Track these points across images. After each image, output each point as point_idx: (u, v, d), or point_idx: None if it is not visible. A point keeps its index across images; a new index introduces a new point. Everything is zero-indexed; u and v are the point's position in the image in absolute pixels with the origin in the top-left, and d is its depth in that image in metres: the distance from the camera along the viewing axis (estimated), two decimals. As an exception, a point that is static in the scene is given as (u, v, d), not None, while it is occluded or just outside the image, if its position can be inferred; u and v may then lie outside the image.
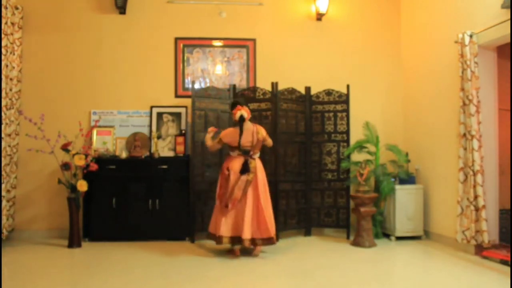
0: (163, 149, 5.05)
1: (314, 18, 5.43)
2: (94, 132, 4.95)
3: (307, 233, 5.00)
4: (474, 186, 3.90)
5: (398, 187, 4.76)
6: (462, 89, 4.03)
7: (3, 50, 4.46)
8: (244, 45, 5.33)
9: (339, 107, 5.00)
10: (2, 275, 3.35)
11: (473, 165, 3.90)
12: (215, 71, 5.32)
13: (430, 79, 4.84)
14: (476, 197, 3.90)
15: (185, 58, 5.27)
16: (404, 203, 4.74)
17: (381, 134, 5.07)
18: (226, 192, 3.92)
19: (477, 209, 3.91)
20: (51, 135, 4.59)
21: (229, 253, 4.06)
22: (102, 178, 4.63)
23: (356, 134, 4.96)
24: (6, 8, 4.54)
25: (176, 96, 5.23)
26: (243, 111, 3.99)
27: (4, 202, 4.43)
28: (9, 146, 4.60)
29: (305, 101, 5.07)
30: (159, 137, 5.03)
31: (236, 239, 3.93)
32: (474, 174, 3.89)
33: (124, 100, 5.14)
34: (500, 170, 4.25)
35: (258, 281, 3.36)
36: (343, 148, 4.97)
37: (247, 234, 3.84)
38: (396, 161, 4.90)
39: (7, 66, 4.59)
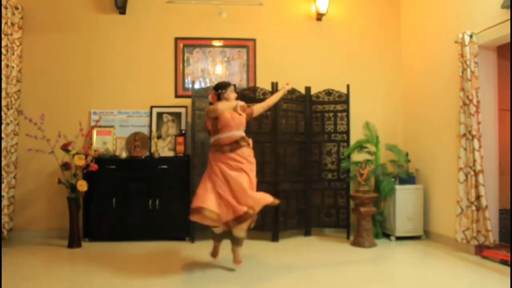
0: (163, 149, 5.06)
1: (314, 18, 5.43)
2: (94, 132, 4.95)
3: (307, 233, 5.00)
4: (476, 186, 3.90)
5: (398, 187, 4.76)
6: (462, 89, 4.03)
7: (3, 50, 4.46)
8: (244, 45, 5.33)
9: (339, 107, 5.00)
10: (2, 275, 3.35)
11: (474, 165, 3.90)
12: (215, 71, 5.32)
13: (430, 79, 4.84)
14: (478, 197, 3.89)
15: (185, 58, 5.27)
16: (404, 203, 4.73)
17: (381, 134, 5.07)
18: None
19: (478, 209, 3.90)
20: (51, 135, 4.59)
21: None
22: (102, 178, 4.62)
23: (356, 134, 4.95)
24: (6, 8, 4.54)
25: (176, 96, 5.23)
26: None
27: (4, 202, 4.43)
28: (10, 146, 4.60)
29: (305, 101, 5.07)
30: (159, 137, 5.03)
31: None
32: (476, 174, 3.89)
33: (124, 100, 5.14)
34: (500, 170, 4.25)
35: (258, 281, 3.36)
36: (343, 148, 4.97)
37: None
38: (396, 161, 4.90)
39: (7, 66, 4.59)
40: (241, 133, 3.60)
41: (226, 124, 3.51)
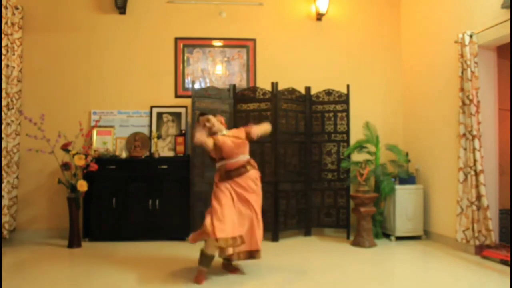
0: (163, 149, 5.06)
1: (314, 18, 5.43)
2: (94, 132, 4.95)
3: (307, 233, 5.00)
4: (477, 186, 3.90)
5: (398, 187, 4.76)
6: (462, 89, 4.03)
7: (3, 50, 4.46)
8: (244, 45, 5.33)
9: (339, 107, 5.00)
10: (2, 275, 3.35)
11: (474, 165, 3.90)
12: (215, 71, 5.32)
13: (430, 79, 4.84)
14: (478, 197, 3.89)
15: (185, 58, 5.27)
16: (404, 203, 4.74)
17: (381, 134, 5.07)
18: None
19: (478, 209, 3.90)
20: (51, 135, 4.60)
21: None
22: (102, 178, 4.63)
23: (356, 134, 4.96)
24: (6, 8, 4.54)
25: (176, 96, 5.23)
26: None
27: (5, 202, 4.43)
28: (12, 146, 4.60)
29: (305, 101, 5.07)
30: (159, 137, 5.04)
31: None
32: (476, 174, 3.89)
33: (124, 100, 5.14)
34: (500, 170, 4.25)
35: (257, 281, 3.36)
36: (343, 148, 4.97)
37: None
38: (396, 161, 4.90)
39: (7, 66, 4.59)
40: (246, 157, 3.54)
41: (231, 151, 3.44)
